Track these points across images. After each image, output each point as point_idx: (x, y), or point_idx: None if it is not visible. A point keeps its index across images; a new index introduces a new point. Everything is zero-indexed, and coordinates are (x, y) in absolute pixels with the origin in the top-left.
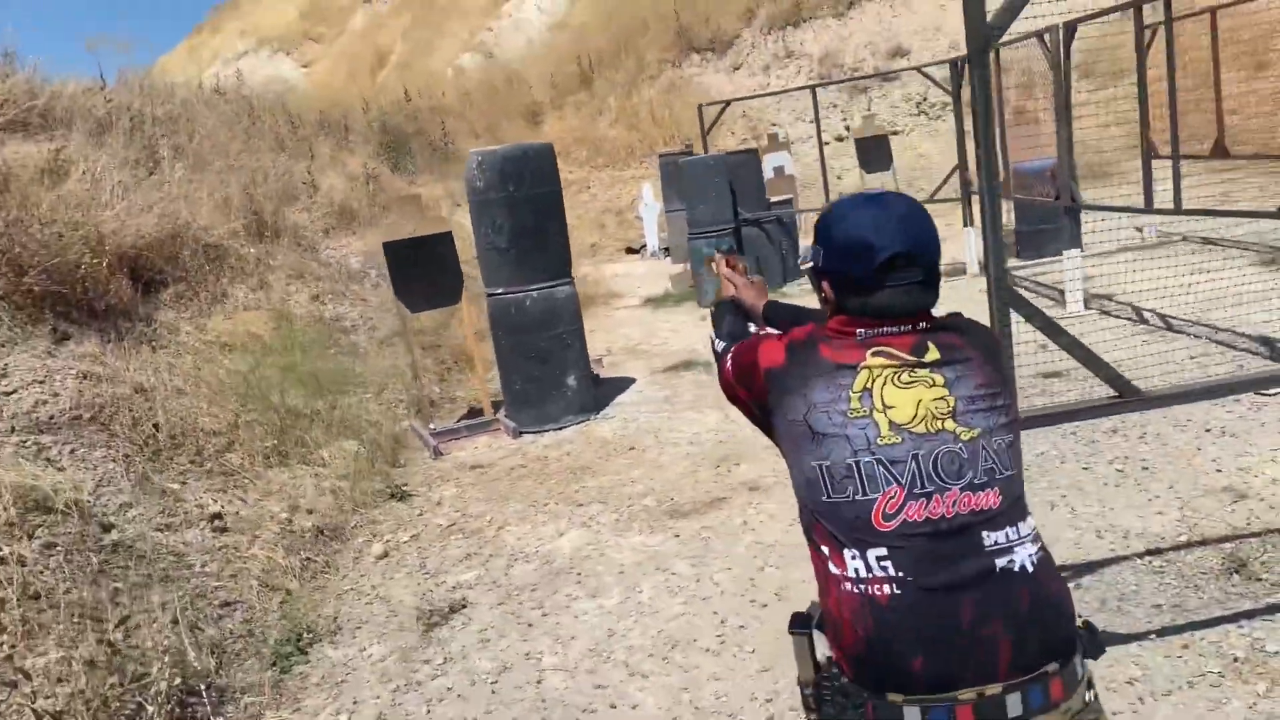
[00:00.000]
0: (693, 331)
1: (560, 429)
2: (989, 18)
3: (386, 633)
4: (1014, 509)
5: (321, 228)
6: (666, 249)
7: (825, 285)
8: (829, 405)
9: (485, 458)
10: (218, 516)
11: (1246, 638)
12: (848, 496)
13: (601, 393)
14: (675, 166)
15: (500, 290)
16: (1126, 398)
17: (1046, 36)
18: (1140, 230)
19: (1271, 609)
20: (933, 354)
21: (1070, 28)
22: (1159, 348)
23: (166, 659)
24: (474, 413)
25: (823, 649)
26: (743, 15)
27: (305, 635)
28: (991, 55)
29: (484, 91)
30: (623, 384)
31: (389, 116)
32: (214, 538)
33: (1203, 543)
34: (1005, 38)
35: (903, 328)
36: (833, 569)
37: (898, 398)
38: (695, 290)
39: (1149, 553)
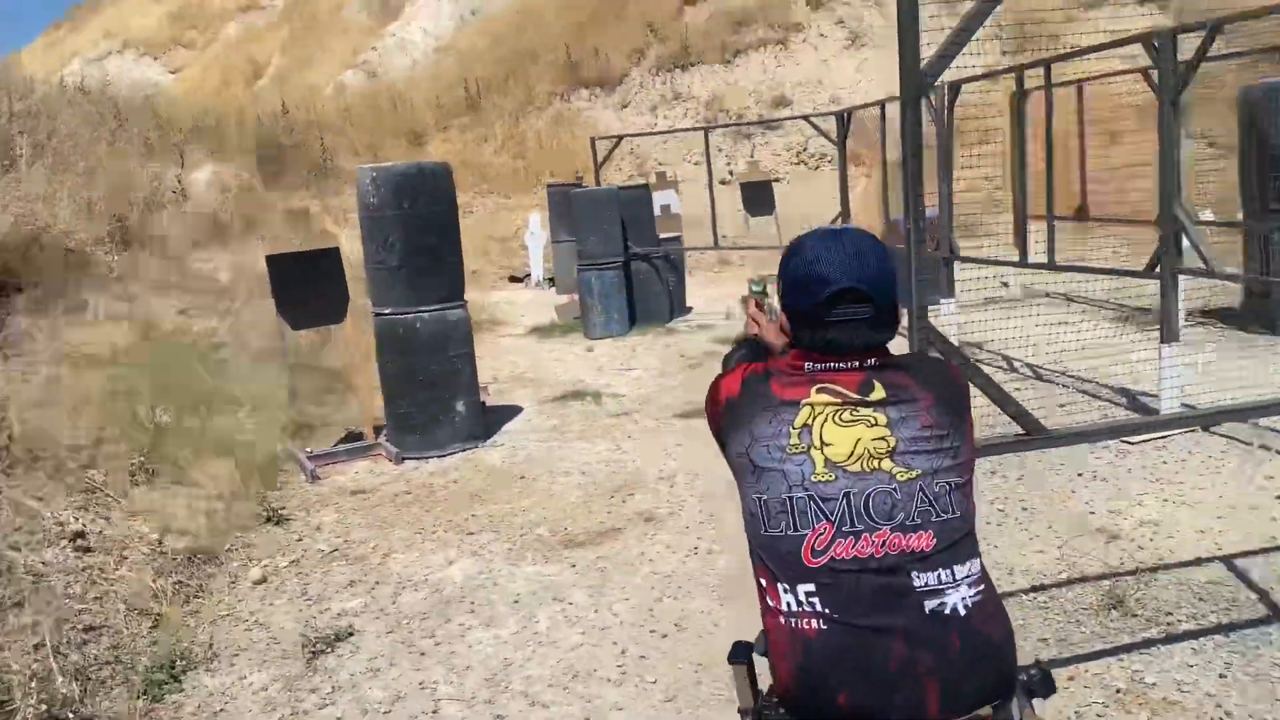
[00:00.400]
0: (579, 362)
1: (445, 456)
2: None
3: (268, 660)
4: (952, 551)
5: (190, 239)
6: (551, 279)
7: (784, 319)
8: (769, 440)
9: (367, 483)
10: (80, 535)
11: (1126, 670)
12: (781, 531)
13: (489, 420)
14: (564, 197)
15: (389, 310)
16: (1034, 435)
17: (931, 94)
18: (1006, 284)
19: (1148, 643)
20: (878, 393)
21: (955, 87)
22: (1030, 395)
23: (33, 685)
24: (353, 436)
25: (765, 677)
26: (632, 55)
27: (179, 662)
28: (878, 110)
29: (366, 109)
30: (510, 412)
31: (265, 129)
32: (77, 558)
33: (1082, 580)
34: (892, 95)
35: (851, 364)
36: (769, 601)
37: (836, 435)
38: (581, 321)
39: (1033, 589)
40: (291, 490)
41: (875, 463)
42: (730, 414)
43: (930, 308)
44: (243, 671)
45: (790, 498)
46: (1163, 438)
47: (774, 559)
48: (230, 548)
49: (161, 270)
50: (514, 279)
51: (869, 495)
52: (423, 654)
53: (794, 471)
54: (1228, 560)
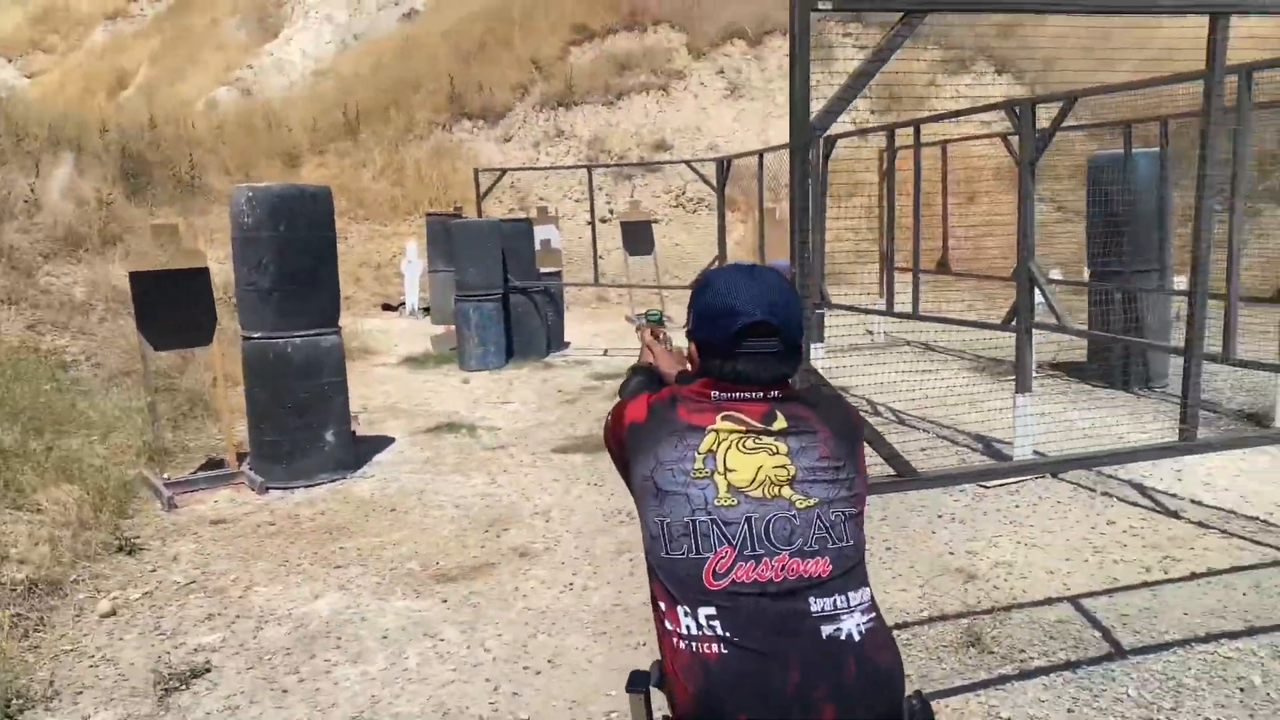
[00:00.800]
0: (454, 394)
1: (313, 486)
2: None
3: (115, 698)
4: (846, 578)
5: (42, 251)
6: (426, 308)
7: (692, 349)
8: (674, 464)
9: (228, 512)
10: None
11: (984, 705)
12: (683, 554)
13: (359, 451)
14: (443, 227)
15: (259, 334)
16: (906, 477)
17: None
18: (871, 332)
19: (1003, 679)
20: (780, 423)
21: (829, 141)
22: (893, 438)
23: None
24: (213, 464)
25: (660, 709)
26: (516, 89)
27: (15, 701)
28: (756, 159)
29: (238, 128)
30: (382, 443)
31: (130, 141)
32: None
33: (943, 618)
34: (768, 145)
35: (755, 394)
36: (668, 625)
37: (740, 462)
38: (457, 353)
39: (896, 627)
40: (146, 519)
41: (776, 489)
42: (634, 439)
43: None
44: (86, 710)
45: (693, 521)
46: (1016, 482)
47: (674, 582)
48: (76, 579)
49: (9, 282)
50: (387, 307)
51: (769, 521)
52: (285, 691)
53: (697, 495)
54: (1075, 600)
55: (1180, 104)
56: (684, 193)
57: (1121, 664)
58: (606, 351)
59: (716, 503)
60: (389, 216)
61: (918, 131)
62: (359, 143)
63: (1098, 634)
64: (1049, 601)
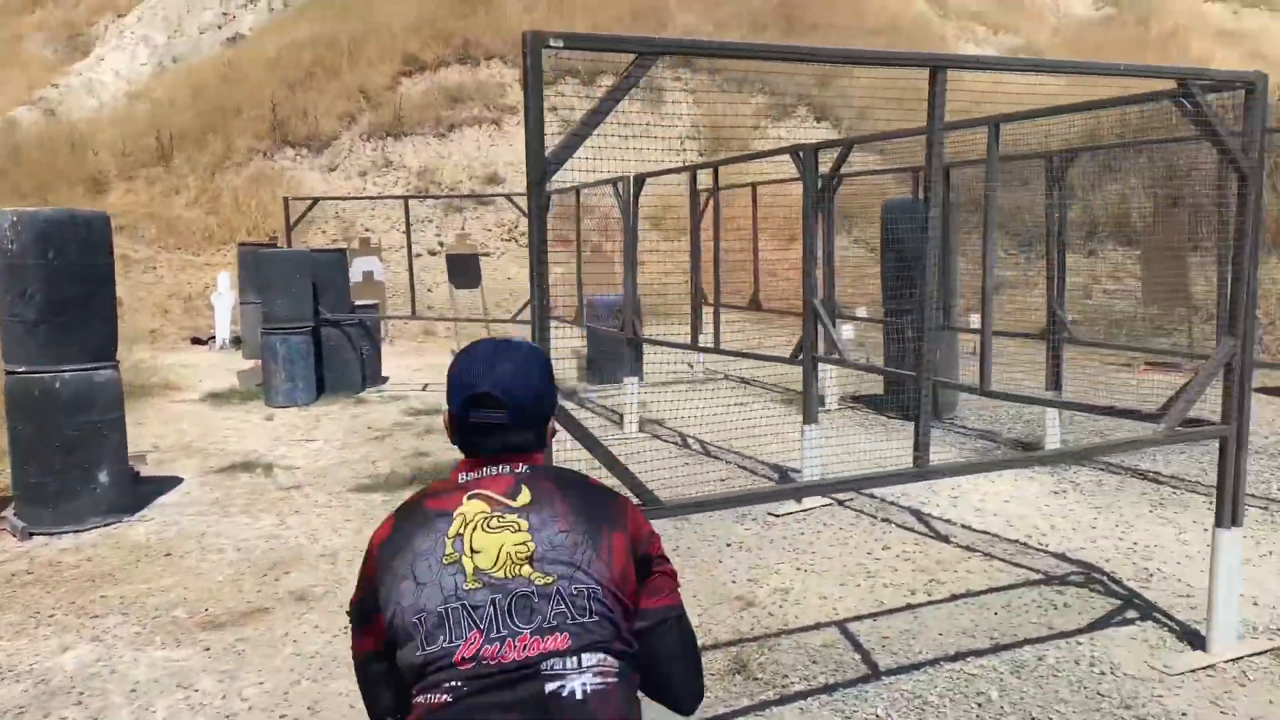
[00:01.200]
0: (255, 432)
1: (83, 531)
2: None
3: None
4: (584, 650)
5: None
6: (238, 339)
7: (446, 417)
8: (429, 553)
9: None
10: None
11: None
12: (438, 646)
13: (141, 492)
14: (255, 257)
15: (23, 369)
16: (649, 506)
17: (620, 184)
18: (690, 365)
19: (764, 704)
20: (524, 498)
21: (639, 179)
22: (695, 469)
23: None
24: None
25: None
26: (343, 118)
27: None
28: (574, 194)
29: (39, 150)
30: (168, 484)
31: None
32: None
33: (715, 646)
34: (586, 180)
35: (501, 469)
36: (414, 703)
37: (484, 542)
38: (264, 388)
39: None
40: None
41: (517, 568)
42: (385, 552)
43: (615, 385)
44: None
45: (446, 609)
46: (804, 511)
47: (424, 675)
48: None
49: None
50: (196, 340)
51: (512, 601)
52: None
53: (449, 582)
54: (842, 624)
55: (965, 152)
56: (516, 226)
57: (875, 685)
58: (426, 386)
59: (465, 587)
60: (202, 246)
61: (716, 174)
62: (172, 169)
63: (858, 656)
64: (818, 626)
